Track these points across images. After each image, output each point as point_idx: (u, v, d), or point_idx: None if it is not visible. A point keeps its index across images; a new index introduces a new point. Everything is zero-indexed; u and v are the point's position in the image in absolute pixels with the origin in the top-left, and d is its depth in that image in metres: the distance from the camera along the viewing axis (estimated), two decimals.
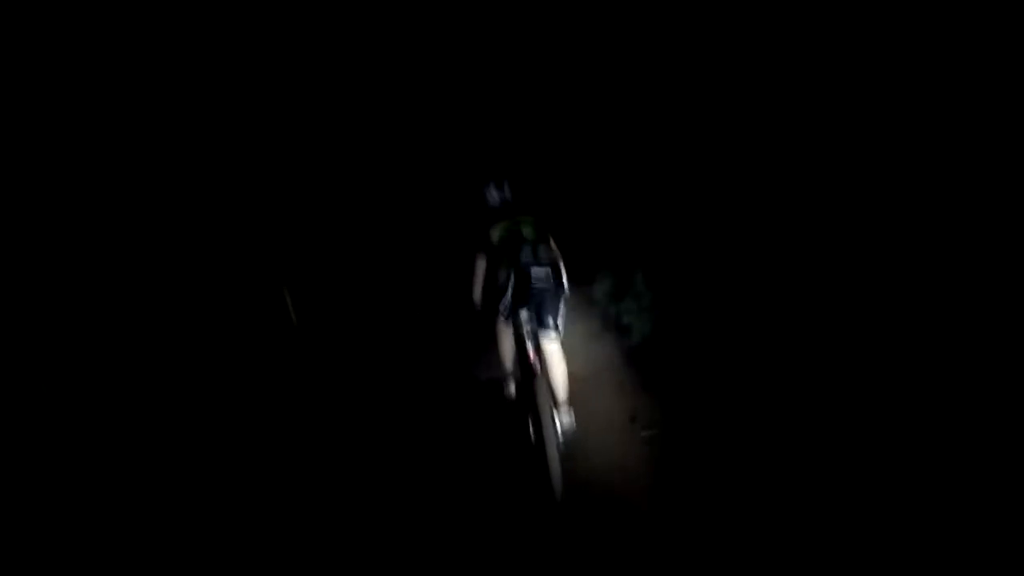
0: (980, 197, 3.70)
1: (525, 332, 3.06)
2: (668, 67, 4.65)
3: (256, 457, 2.96)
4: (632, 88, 4.76)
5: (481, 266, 3.15)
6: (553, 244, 3.10)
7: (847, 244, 3.98)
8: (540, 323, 3.00)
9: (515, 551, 2.61)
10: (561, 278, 3.03)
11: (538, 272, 2.96)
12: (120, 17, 3.70)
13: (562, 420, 2.96)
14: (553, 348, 3.01)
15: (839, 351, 3.54)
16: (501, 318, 3.10)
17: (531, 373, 3.02)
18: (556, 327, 3.00)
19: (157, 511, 2.67)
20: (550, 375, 2.99)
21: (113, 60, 3.70)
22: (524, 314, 3.04)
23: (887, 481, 2.84)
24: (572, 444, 3.01)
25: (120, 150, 3.74)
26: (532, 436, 2.94)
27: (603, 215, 4.69)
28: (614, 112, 4.82)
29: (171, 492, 2.75)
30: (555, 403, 2.98)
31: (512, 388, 3.25)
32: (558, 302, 3.01)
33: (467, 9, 4.61)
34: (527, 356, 3.05)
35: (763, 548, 2.63)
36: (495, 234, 3.08)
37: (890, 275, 3.73)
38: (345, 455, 3.03)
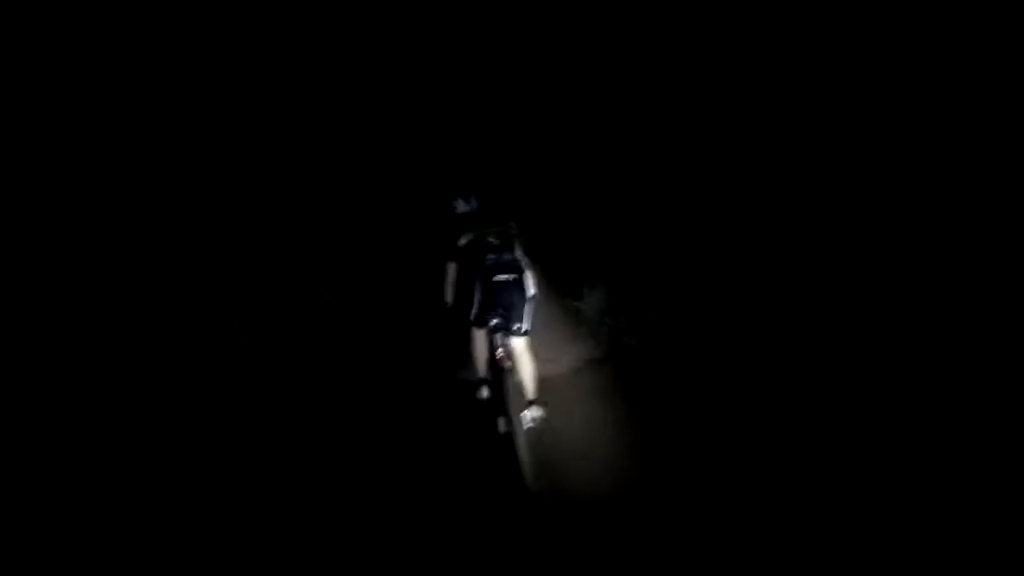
0: (980, 197, 3.64)
1: (495, 333, 3.18)
2: (651, 70, 4.78)
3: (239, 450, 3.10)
4: (618, 92, 4.89)
5: (452, 271, 3.31)
6: (519, 250, 3.24)
7: (841, 246, 3.94)
8: (508, 325, 3.10)
9: (490, 534, 2.66)
10: (526, 281, 3.16)
11: (502, 277, 3.09)
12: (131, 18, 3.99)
13: (531, 415, 3.01)
14: (521, 348, 3.09)
15: (832, 356, 3.49)
16: (472, 321, 3.24)
17: (501, 372, 3.13)
18: (524, 328, 3.10)
19: (154, 511, 2.75)
20: (519, 373, 3.07)
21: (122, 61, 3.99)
22: (494, 316, 3.16)
23: (874, 484, 2.75)
24: (543, 437, 3.06)
25: (116, 153, 4.00)
26: (504, 430, 3.02)
27: (588, 220, 4.78)
28: (601, 117, 4.95)
29: (166, 493, 2.85)
30: (524, 399, 3.05)
31: (484, 387, 3.33)
32: (524, 304, 3.10)
33: (449, 17, 4.84)
34: (497, 356, 3.17)
35: (736, 544, 2.59)
36: (463, 241, 3.26)
37: (886, 277, 3.68)
38: (325, 448, 3.15)
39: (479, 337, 3.27)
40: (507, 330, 3.10)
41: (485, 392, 3.30)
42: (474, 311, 3.16)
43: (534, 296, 3.15)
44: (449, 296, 3.34)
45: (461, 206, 3.39)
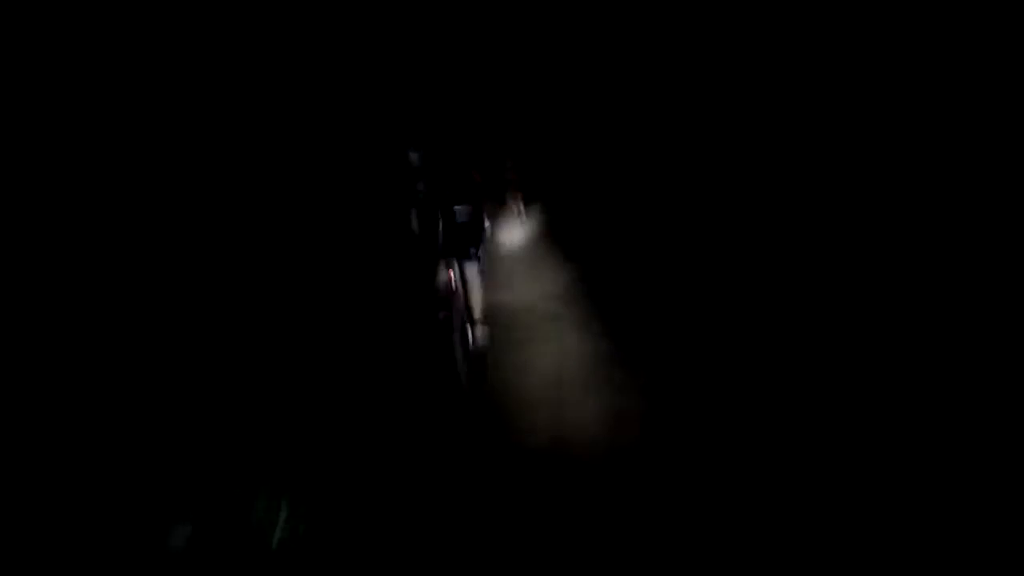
0: (980, 197, 3.70)
1: (451, 259, 3.49)
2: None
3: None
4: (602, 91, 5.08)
5: (413, 215, 3.69)
6: (472, 190, 3.58)
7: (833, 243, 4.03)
8: (463, 251, 3.46)
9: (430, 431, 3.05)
10: (481, 216, 3.50)
11: (458, 211, 3.45)
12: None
13: (476, 334, 3.36)
14: (473, 271, 3.43)
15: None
16: (437, 252, 3.58)
17: (454, 293, 3.47)
18: (477, 255, 3.45)
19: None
20: (469, 294, 3.41)
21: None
22: (453, 246, 3.49)
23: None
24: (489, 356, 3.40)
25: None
26: (451, 345, 3.34)
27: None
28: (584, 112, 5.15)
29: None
30: (471, 319, 3.39)
31: (443, 311, 3.65)
32: (479, 235, 3.46)
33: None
34: (450, 279, 3.51)
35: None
36: (421, 187, 3.63)
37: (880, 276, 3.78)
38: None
39: (441, 267, 3.62)
40: (462, 255, 3.45)
41: (442, 314, 3.62)
42: (438, 244, 3.52)
43: (488, 230, 3.51)
44: (416, 227, 3.69)
45: (415, 158, 3.75)
